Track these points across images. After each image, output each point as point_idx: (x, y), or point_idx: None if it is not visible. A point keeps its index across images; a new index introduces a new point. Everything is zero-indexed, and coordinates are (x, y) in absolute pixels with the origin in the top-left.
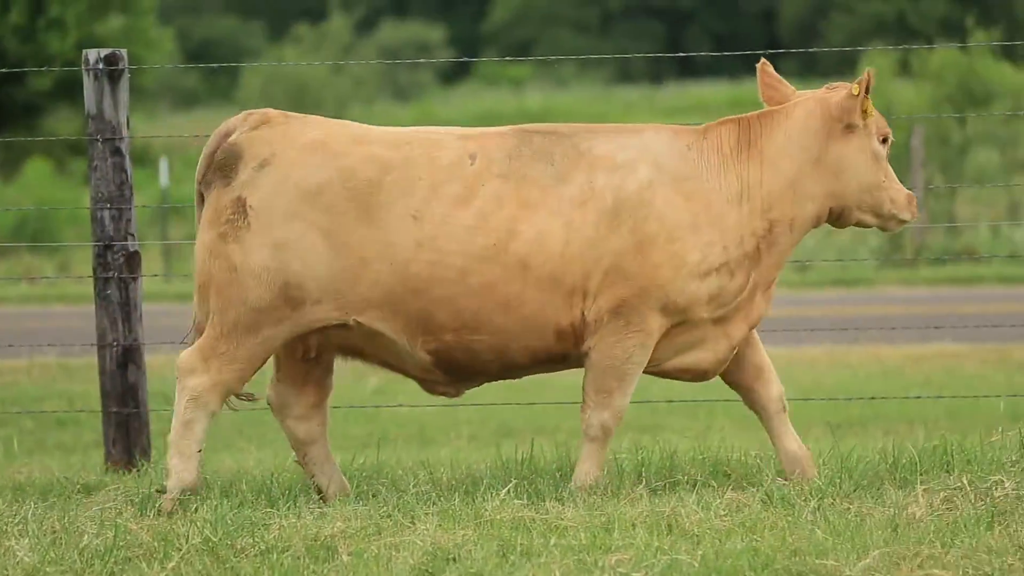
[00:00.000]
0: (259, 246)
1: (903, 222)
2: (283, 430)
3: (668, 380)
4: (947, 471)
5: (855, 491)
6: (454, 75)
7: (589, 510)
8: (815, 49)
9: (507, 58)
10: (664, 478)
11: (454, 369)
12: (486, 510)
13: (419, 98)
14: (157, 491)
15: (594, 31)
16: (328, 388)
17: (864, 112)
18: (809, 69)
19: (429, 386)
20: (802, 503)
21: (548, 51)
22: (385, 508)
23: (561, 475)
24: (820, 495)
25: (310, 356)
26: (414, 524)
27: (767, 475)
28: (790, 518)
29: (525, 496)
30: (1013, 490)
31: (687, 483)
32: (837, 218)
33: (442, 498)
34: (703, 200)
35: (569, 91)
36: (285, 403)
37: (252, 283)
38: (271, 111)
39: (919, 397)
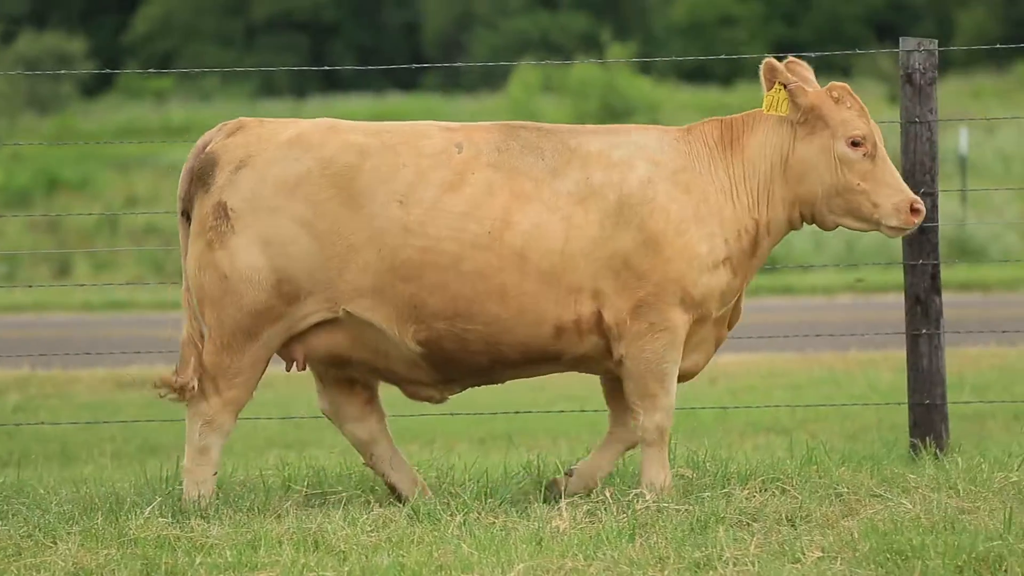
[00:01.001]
0: (245, 247)
1: (894, 228)
2: (344, 436)
3: (314, 393)
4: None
5: (500, 505)
6: (96, 87)
7: (235, 527)
8: (460, 64)
9: (150, 70)
10: (311, 494)
11: (442, 363)
12: (130, 529)
13: (60, 111)
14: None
15: (238, 44)
16: (375, 383)
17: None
18: (453, 83)
19: (414, 389)
20: (448, 518)
21: (191, 64)
22: (25, 528)
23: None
24: (466, 510)
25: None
26: (55, 544)
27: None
28: (436, 533)
29: (170, 514)
30: (654, 503)
31: (335, 499)
32: (813, 220)
33: (85, 517)
34: (701, 192)
35: (212, 105)
36: (338, 408)
37: (244, 287)
38: (245, 119)
39: (562, 411)
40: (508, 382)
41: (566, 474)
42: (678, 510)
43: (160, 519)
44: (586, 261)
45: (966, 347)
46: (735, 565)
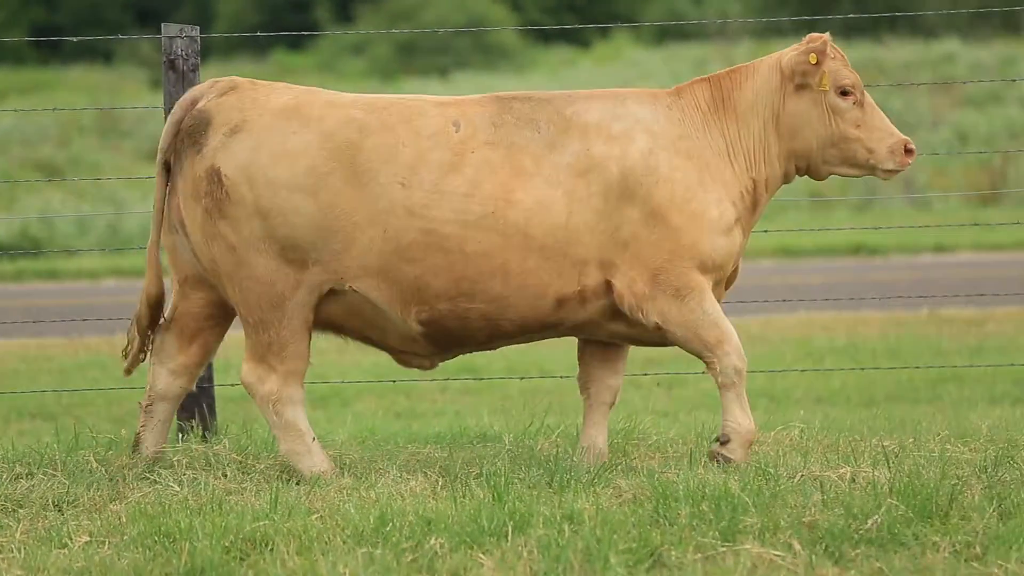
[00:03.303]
0: (246, 218)
1: (889, 171)
2: (149, 372)
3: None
4: None
5: None
6: None
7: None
8: None
9: None
10: None
11: (442, 339)
12: None
13: None
14: None
15: None
16: (211, 355)
17: (820, 82)
18: None
19: (405, 358)
20: None
21: None
22: None
23: None
24: None
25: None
26: None
27: None
28: None
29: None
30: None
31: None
32: (808, 172)
33: None
34: (701, 157)
35: None
36: (165, 351)
37: (255, 257)
38: (238, 78)
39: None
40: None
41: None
42: None
43: None
44: (591, 234)
45: (231, 331)
46: (0, 552)
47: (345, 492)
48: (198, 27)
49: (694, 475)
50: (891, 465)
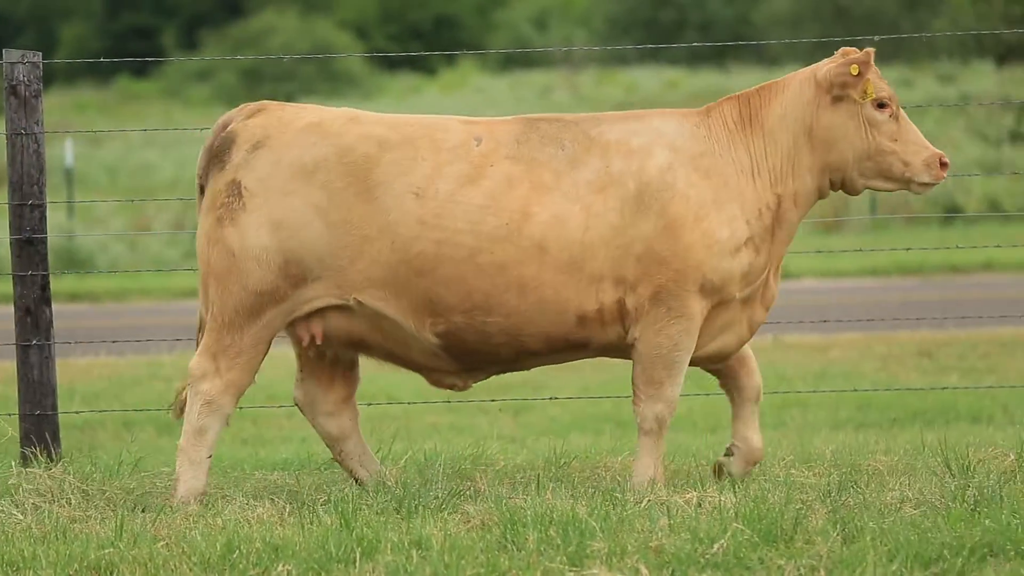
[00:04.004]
0: (256, 226)
1: (925, 184)
2: (314, 428)
3: None
4: None
5: None
6: None
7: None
8: None
9: None
10: None
11: (463, 354)
12: None
13: None
14: None
15: None
16: (355, 381)
17: (864, 92)
18: None
19: (436, 378)
20: None
21: None
22: None
23: None
24: None
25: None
26: None
27: None
28: None
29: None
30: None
31: None
32: (842, 186)
33: None
34: (720, 176)
35: None
36: (313, 401)
37: (252, 266)
38: (268, 101)
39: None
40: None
41: (726, 454)
42: None
43: None
44: (607, 249)
45: (76, 358)
46: None
47: (191, 519)
48: (40, 53)
49: (541, 500)
50: (737, 490)
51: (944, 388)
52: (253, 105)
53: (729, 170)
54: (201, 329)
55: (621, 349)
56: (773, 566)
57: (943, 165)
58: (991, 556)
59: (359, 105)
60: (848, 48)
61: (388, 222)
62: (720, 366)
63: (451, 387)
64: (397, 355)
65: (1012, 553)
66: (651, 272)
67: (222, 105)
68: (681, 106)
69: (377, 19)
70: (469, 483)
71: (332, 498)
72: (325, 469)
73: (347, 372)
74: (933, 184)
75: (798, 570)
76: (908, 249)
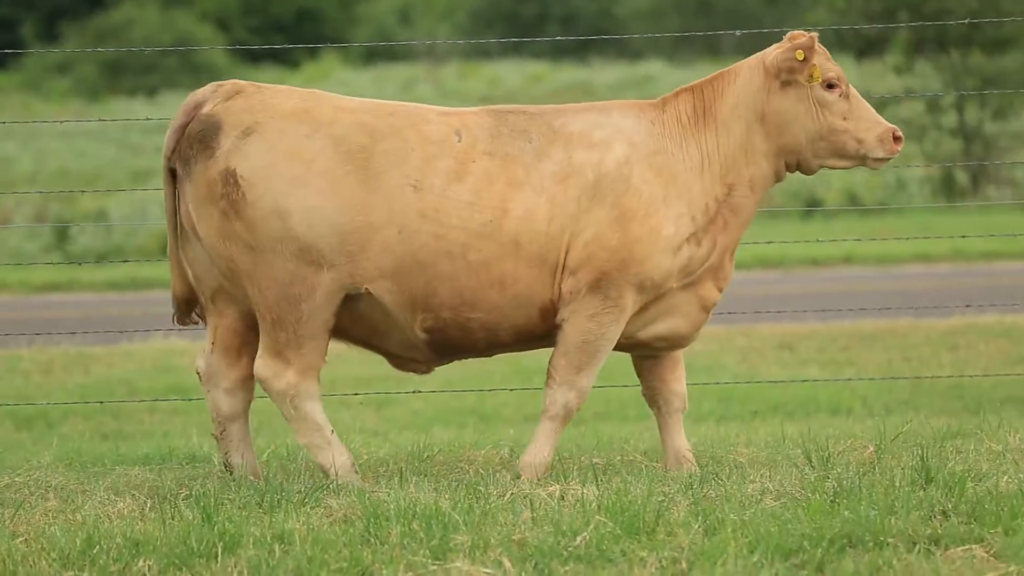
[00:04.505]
0: (262, 219)
1: (880, 160)
2: (207, 401)
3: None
4: None
5: None
6: None
7: None
8: None
9: None
10: None
11: (443, 347)
12: None
13: None
14: None
15: None
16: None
17: (811, 76)
18: None
19: (401, 363)
20: None
21: None
22: None
23: None
24: None
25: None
26: None
27: None
28: None
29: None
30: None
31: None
32: (799, 168)
33: None
34: (670, 173)
35: None
36: (214, 373)
37: (272, 258)
38: (240, 81)
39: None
40: None
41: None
42: None
43: None
44: (563, 238)
45: None
46: None
47: (51, 515)
48: None
49: (404, 494)
50: (599, 482)
51: (804, 381)
52: (227, 86)
53: (679, 168)
54: (181, 303)
55: None
56: (635, 558)
57: (897, 139)
58: (850, 547)
59: None
60: (796, 32)
61: (393, 212)
62: (669, 349)
63: (414, 371)
64: (371, 343)
65: (871, 544)
66: (595, 258)
67: (82, 98)
68: (545, 100)
69: (239, 11)
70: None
71: (193, 493)
72: (187, 464)
73: (255, 353)
74: (888, 159)
75: (660, 562)
76: (769, 242)
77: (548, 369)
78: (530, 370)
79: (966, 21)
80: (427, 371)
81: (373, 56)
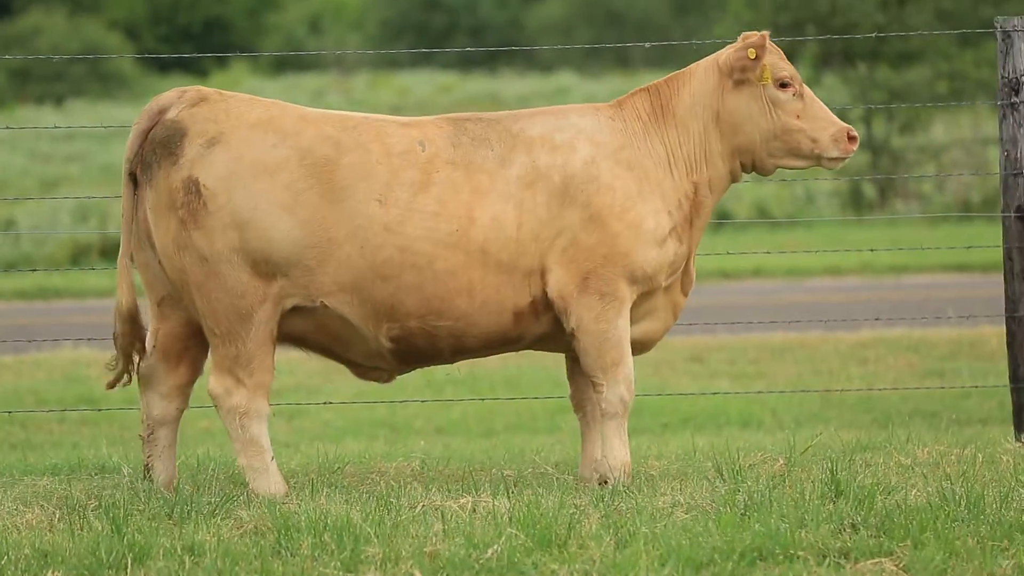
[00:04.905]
0: (222, 229)
1: (835, 159)
2: (140, 401)
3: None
4: None
5: None
6: None
7: None
8: None
9: None
10: None
11: (408, 355)
12: None
13: None
14: None
15: None
16: (199, 371)
17: (761, 75)
18: None
19: (363, 372)
20: None
21: None
22: None
23: None
24: None
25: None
26: None
27: None
28: None
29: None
30: None
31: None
32: (754, 168)
33: None
34: (641, 168)
35: None
36: (152, 376)
37: (226, 269)
38: (205, 88)
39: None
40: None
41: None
42: None
43: None
44: (536, 243)
45: None
46: None
47: None
48: None
49: (316, 505)
50: (511, 495)
51: (715, 393)
52: (192, 92)
53: (648, 163)
54: (126, 321)
55: (554, 340)
56: (547, 571)
57: (851, 139)
58: (760, 560)
59: (132, 106)
60: (749, 32)
61: (355, 227)
62: (638, 352)
63: (376, 379)
64: (334, 352)
65: (781, 557)
66: (577, 259)
67: None
68: (455, 110)
69: (147, 20)
70: (242, 488)
71: (103, 504)
72: (96, 474)
73: (196, 359)
74: (843, 158)
75: (572, 574)
76: None
77: (589, 378)
78: (442, 381)
79: (873, 35)
80: (389, 380)
81: (283, 65)
